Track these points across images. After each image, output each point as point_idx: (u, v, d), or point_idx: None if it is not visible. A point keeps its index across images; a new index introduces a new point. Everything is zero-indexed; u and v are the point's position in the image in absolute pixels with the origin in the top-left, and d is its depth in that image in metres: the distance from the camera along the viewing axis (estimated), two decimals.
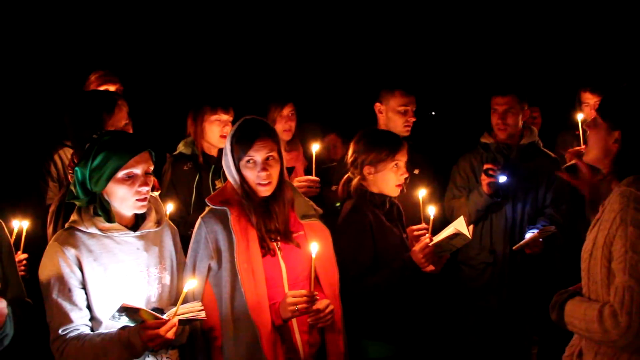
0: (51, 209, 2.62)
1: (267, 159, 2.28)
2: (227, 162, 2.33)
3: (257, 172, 2.28)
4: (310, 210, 2.46)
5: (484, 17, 6.44)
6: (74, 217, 2.12)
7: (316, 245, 2.20)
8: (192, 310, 2.07)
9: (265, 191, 2.31)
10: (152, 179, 3.09)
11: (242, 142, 2.28)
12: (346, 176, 2.85)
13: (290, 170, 3.50)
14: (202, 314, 2.09)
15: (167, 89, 5.35)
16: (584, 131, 2.60)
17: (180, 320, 2.02)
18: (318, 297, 2.23)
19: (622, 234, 1.74)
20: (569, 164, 3.72)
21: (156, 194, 2.99)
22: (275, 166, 2.31)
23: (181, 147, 3.41)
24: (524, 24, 6.38)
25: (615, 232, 1.76)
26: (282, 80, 5.70)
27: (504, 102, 3.43)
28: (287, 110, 3.53)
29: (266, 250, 2.30)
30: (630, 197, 1.76)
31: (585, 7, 6.07)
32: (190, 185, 3.28)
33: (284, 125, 3.52)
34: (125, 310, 1.96)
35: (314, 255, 2.18)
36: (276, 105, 3.53)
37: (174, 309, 2.01)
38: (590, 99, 3.92)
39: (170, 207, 2.89)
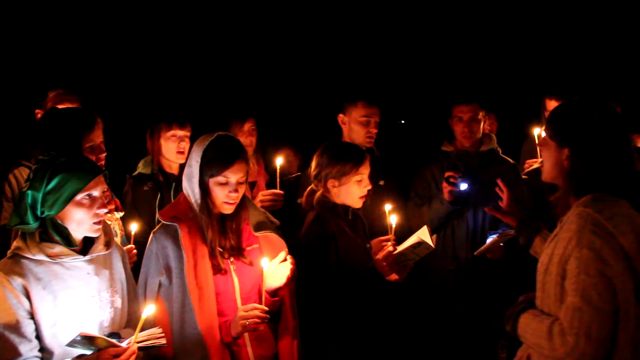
0: None
1: (240, 181, 2.29)
2: (191, 175, 2.28)
3: (228, 192, 2.27)
4: (266, 221, 2.46)
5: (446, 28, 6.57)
6: (18, 244, 2.02)
7: (267, 261, 2.21)
8: (152, 336, 2.01)
9: (229, 209, 2.31)
10: (116, 201, 3.02)
11: (219, 161, 2.25)
12: (309, 188, 2.86)
13: (253, 184, 3.49)
14: (163, 340, 2.03)
15: (126, 108, 5.29)
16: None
17: (140, 347, 1.97)
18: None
19: (577, 255, 1.78)
20: (526, 171, 3.81)
21: (120, 214, 2.94)
22: (244, 187, 2.33)
23: (140, 167, 3.37)
24: (486, 35, 6.52)
25: (570, 252, 1.80)
26: (240, 96, 5.71)
27: (469, 110, 3.44)
28: (247, 126, 3.53)
29: (218, 266, 2.29)
30: (588, 219, 1.80)
31: (546, 15, 6.23)
32: (152, 205, 3.24)
33: (245, 140, 3.51)
34: (83, 339, 1.89)
35: (265, 270, 2.19)
36: (237, 120, 3.53)
37: (133, 337, 1.95)
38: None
39: (134, 227, 2.86)
